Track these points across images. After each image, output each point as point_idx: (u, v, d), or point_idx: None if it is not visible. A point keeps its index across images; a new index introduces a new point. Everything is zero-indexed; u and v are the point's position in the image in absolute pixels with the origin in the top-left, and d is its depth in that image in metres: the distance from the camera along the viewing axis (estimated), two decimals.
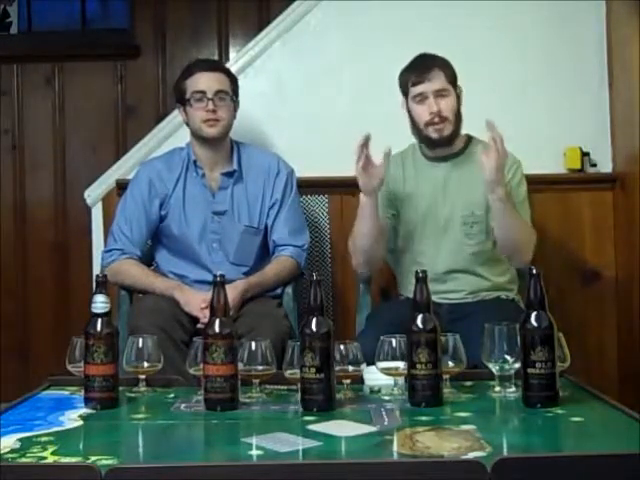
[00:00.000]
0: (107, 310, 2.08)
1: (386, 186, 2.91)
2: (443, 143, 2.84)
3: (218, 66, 3.12)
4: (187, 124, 3.04)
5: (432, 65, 2.80)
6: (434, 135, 2.81)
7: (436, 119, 2.79)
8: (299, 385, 2.02)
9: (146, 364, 2.21)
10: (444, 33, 3.30)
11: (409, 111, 2.85)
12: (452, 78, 2.81)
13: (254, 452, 1.68)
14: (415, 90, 2.82)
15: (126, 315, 2.89)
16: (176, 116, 3.34)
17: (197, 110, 2.95)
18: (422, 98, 2.80)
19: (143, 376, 2.21)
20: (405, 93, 2.85)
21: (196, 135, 3.01)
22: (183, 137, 3.17)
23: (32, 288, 4.21)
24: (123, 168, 3.43)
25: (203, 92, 2.95)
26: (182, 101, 3.00)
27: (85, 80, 4.28)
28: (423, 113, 2.81)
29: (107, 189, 3.42)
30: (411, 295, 2.11)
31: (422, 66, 2.82)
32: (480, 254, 2.83)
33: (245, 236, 3.00)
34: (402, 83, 2.86)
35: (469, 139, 2.91)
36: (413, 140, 2.95)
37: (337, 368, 2.04)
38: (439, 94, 2.79)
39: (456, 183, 2.85)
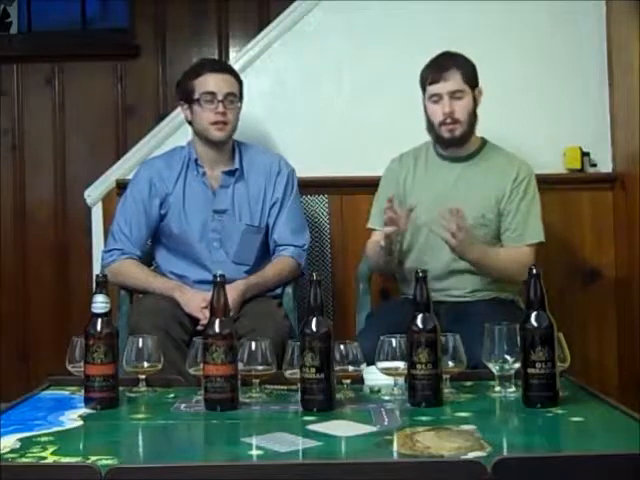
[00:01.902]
0: (107, 310, 2.08)
1: (395, 185, 2.92)
2: (455, 143, 2.85)
3: (227, 68, 3.10)
4: (189, 122, 3.04)
5: (449, 65, 2.80)
6: (446, 135, 2.83)
7: (448, 120, 2.80)
8: (299, 385, 2.02)
9: (146, 364, 2.21)
10: (444, 33, 3.30)
11: (425, 108, 2.86)
12: (470, 79, 2.82)
13: (254, 452, 1.68)
14: (431, 89, 2.82)
15: (126, 315, 2.89)
16: (176, 116, 3.35)
17: (206, 111, 2.94)
18: (437, 98, 2.81)
19: (143, 376, 2.21)
20: (423, 90, 2.86)
21: (201, 135, 3.00)
22: (183, 137, 3.18)
23: (32, 288, 4.21)
24: (123, 168, 3.43)
25: (213, 94, 2.94)
26: (188, 99, 2.99)
27: (85, 80, 4.28)
28: (437, 113, 2.82)
29: (107, 189, 3.42)
30: (412, 294, 2.11)
31: (440, 65, 2.82)
32: None
33: (246, 235, 3.00)
34: (421, 80, 2.86)
35: (484, 142, 2.92)
36: (413, 140, 2.95)
37: (337, 368, 2.04)
38: (454, 95, 2.79)
39: (468, 184, 2.85)
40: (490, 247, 2.81)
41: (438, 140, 2.88)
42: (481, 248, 2.75)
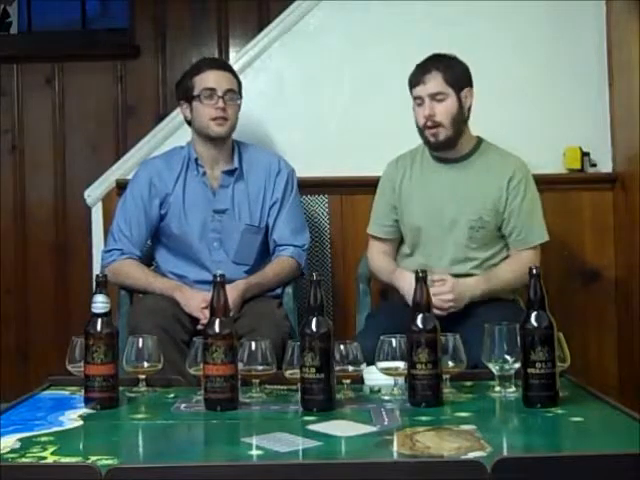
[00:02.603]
0: (107, 310, 2.08)
1: (391, 191, 2.91)
2: (441, 147, 2.83)
3: (227, 66, 3.11)
4: (188, 122, 3.04)
5: (430, 67, 2.78)
6: (430, 139, 2.81)
7: (429, 123, 2.78)
8: (299, 385, 2.02)
9: (146, 364, 2.21)
10: (444, 33, 3.30)
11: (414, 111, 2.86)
12: (455, 80, 2.77)
13: (254, 452, 1.68)
14: (413, 92, 2.82)
15: (126, 315, 2.89)
16: (176, 116, 3.35)
17: (207, 107, 2.95)
18: (420, 101, 2.80)
19: (143, 376, 2.21)
20: (411, 93, 2.85)
21: (201, 133, 3.00)
22: (183, 137, 3.17)
23: (32, 288, 4.21)
24: (123, 168, 3.43)
25: (213, 90, 2.94)
26: (188, 97, 3.00)
27: (85, 80, 4.28)
28: (419, 116, 2.81)
29: (107, 189, 3.42)
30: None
31: (422, 67, 2.80)
32: (481, 259, 2.82)
33: (246, 235, 3.00)
34: (408, 83, 2.85)
35: (479, 141, 2.89)
36: (412, 140, 2.95)
37: (337, 368, 2.05)
38: (434, 98, 2.77)
39: (464, 186, 2.83)
40: (490, 272, 2.80)
41: (425, 143, 2.86)
42: (480, 284, 2.74)
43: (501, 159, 2.88)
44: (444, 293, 2.66)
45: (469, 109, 2.83)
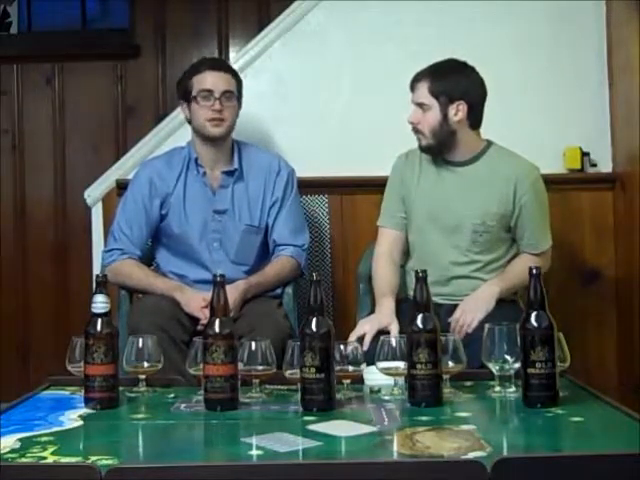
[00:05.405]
0: (107, 310, 2.08)
1: (400, 183, 2.90)
2: (426, 151, 2.82)
3: (226, 66, 3.11)
4: (189, 122, 3.04)
5: (421, 75, 2.77)
6: (417, 142, 2.82)
7: (412, 128, 2.80)
8: (299, 385, 2.02)
9: (146, 364, 2.21)
10: (444, 33, 3.30)
11: None
12: (441, 92, 2.73)
13: (254, 452, 1.68)
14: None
15: (126, 315, 2.89)
16: (176, 116, 3.35)
17: (203, 108, 2.95)
18: (413, 106, 2.81)
19: (143, 376, 2.21)
20: None
21: (198, 133, 3.00)
22: (183, 137, 3.17)
23: (32, 288, 4.21)
24: (123, 168, 3.43)
25: (210, 91, 2.95)
26: (187, 98, 3.00)
27: (85, 80, 4.28)
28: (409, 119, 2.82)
29: (107, 189, 3.42)
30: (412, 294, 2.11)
31: (417, 74, 2.80)
32: (484, 262, 2.81)
33: (246, 235, 3.00)
34: None
35: (488, 145, 2.84)
36: (413, 140, 2.95)
37: (337, 368, 2.04)
38: (420, 106, 2.77)
39: (469, 190, 2.79)
40: (503, 276, 2.77)
41: None
42: (495, 289, 2.71)
43: (509, 163, 2.81)
44: (465, 325, 2.63)
45: (460, 122, 2.75)
